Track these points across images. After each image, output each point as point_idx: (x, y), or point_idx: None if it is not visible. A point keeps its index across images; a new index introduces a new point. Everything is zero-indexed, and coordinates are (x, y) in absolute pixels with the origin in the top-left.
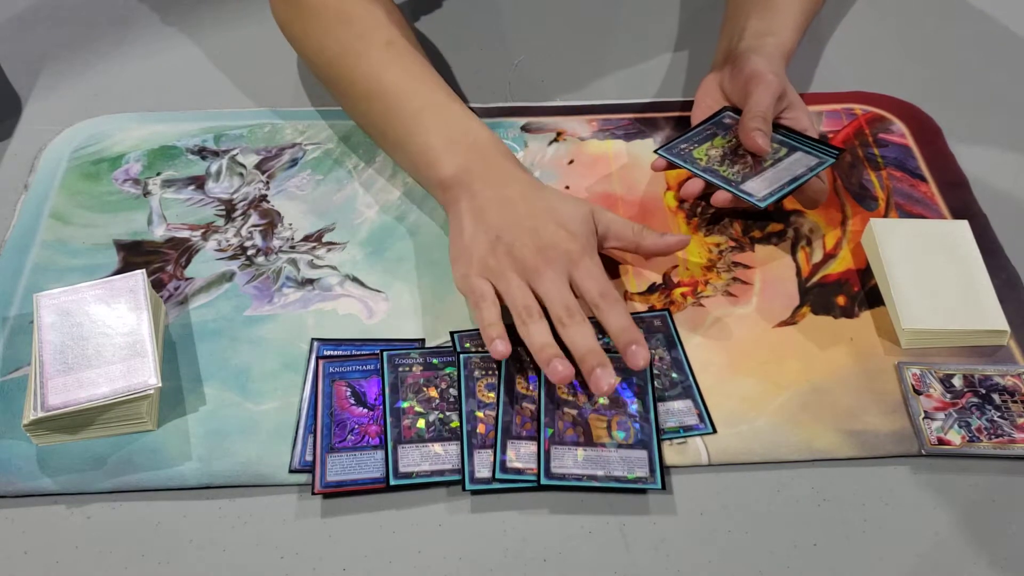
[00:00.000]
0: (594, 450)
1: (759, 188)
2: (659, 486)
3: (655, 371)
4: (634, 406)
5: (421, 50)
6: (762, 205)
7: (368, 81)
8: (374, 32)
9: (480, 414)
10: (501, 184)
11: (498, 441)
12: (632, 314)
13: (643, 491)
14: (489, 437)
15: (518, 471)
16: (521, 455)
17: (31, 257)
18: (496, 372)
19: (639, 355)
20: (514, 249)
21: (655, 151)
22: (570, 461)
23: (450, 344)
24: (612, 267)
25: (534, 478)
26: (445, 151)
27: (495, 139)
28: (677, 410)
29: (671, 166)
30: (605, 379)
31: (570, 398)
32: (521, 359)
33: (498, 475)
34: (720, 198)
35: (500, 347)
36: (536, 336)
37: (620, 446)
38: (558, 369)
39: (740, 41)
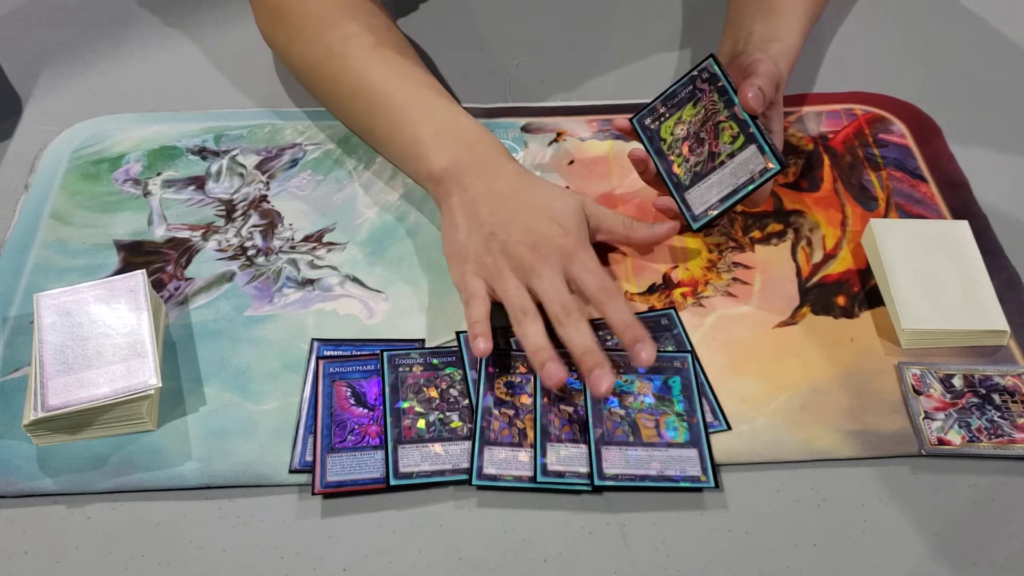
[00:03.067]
0: (645, 450)
1: (701, 200)
2: (712, 484)
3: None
4: (681, 404)
5: (412, 51)
6: (694, 227)
7: (353, 80)
8: (359, 36)
9: (496, 411)
10: (491, 177)
11: (537, 444)
12: (636, 314)
13: (698, 490)
14: (503, 435)
15: (559, 474)
16: (561, 458)
17: (31, 257)
18: (516, 371)
19: (645, 352)
20: (508, 246)
21: (630, 118)
22: (621, 461)
23: (451, 344)
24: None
25: (584, 482)
26: (433, 143)
27: (483, 130)
28: None
29: (636, 137)
30: (604, 380)
31: (615, 397)
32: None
33: (540, 479)
34: (662, 204)
35: (481, 345)
36: (531, 338)
37: (671, 445)
38: (552, 373)
39: (745, 46)
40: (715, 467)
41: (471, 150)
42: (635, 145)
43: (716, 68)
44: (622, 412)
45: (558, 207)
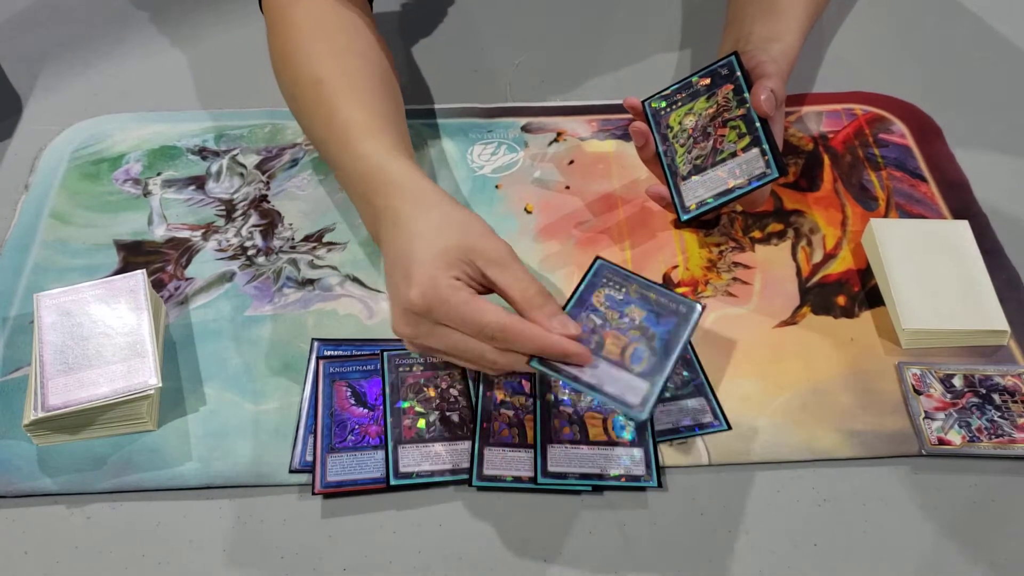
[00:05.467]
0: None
1: (694, 192)
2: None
3: None
4: (658, 342)
5: (368, 73)
6: (682, 217)
7: (306, 126)
8: (304, 70)
9: (496, 412)
10: (390, 240)
11: (538, 445)
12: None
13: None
14: (503, 435)
15: (560, 475)
16: (561, 459)
17: (31, 257)
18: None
19: (579, 356)
20: (393, 314)
21: (643, 101)
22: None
23: None
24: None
25: (585, 484)
26: (356, 203)
27: (379, 175)
28: (691, 408)
29: (644, 118)
30: (584, 356)
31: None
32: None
33: (540, 481)
34: (654, 191)
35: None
36: (490, 366)
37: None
38: (581, 355)
39: (746, 46)
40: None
41: (371, 207)
42: (635, 144)
43: (737, 67)
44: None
45: (417, 255)
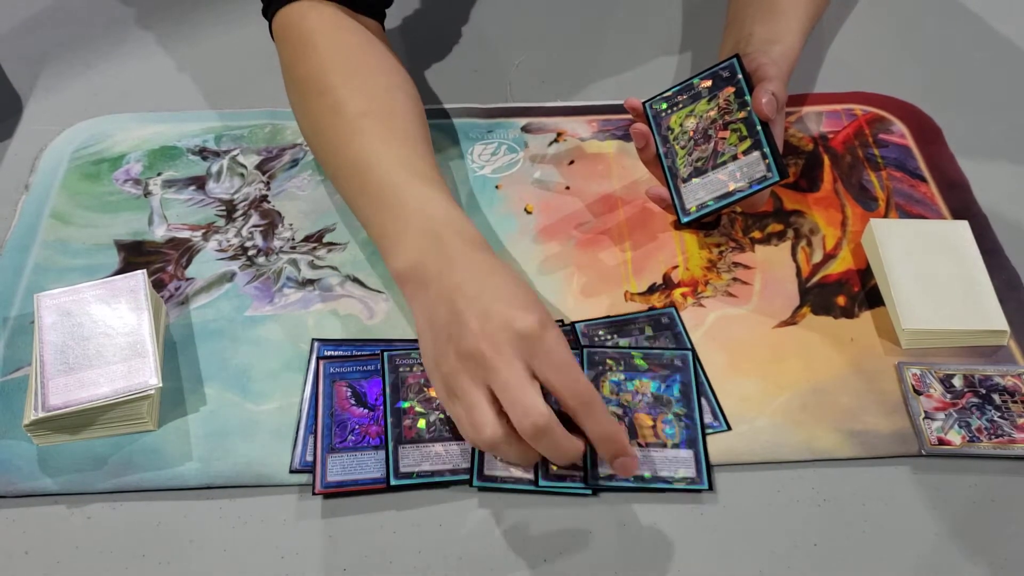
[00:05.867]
0: (639, 450)
1: (695, 195)
2: (706, 486)
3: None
4: (679, 404)
5: (413, 113)
6: (683, 220)
7: (336, 157)
8: (347, 103)
9: None
10: (449, 271)
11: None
12: (639, 313)
13: (693, 491)
14: None
15: (561, 478)
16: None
17: (32, 257)
18: None
19: (625, 467)
20: (462, 344)
21: (644, 102)
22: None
23: None
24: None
25: (585, 487)
26: (396, 239)
27: (452, 216)
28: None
29: (645, 119)
30: (630, 466)
31: (613, 396)
32: None
33: (541, 483)
34: (655, 193)
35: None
36: (552, 454)
37: (665, 446)
38: (626, 465)
39: (746, 47)
40: (710, 470)
41: (436, 244)
42: (636, 146)
43: (738, 69)
44: (619, 411)
45: (519, 294)
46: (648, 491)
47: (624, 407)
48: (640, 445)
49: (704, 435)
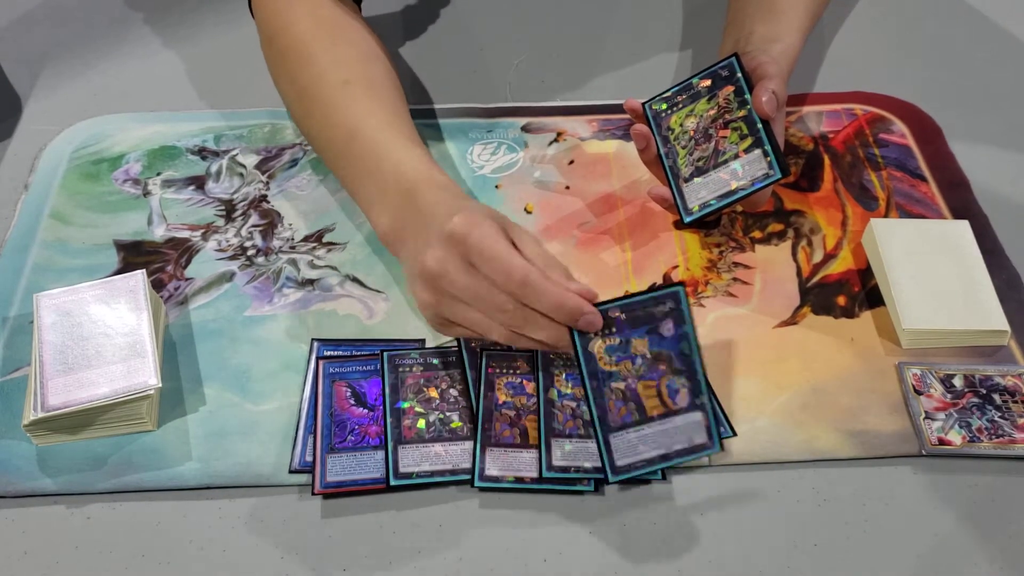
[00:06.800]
0: (650, 426)
1: (697, 194)
2: (717, 449)
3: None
4: (679, 361)
5: (391, 82)
6: (685, 219)
7: (320, 124)
8: (331, 72)
9: (498, 412)
10: (426, 226)
11: (542, 439)
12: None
13: (707, 455)
14: (505, 436)
15: (564, 469)
16: (566, 453)
17: (31, 257)
18: (516, 371)
19: (593, 322)
20: (424, 272)
21: (643, 103)
22: (630, 449)
23: (451, 344)
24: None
25: (590, 477)
26: (376, 201)
27: (425, 172)
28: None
29: (645, 121)
30: (595, 320)
31: (613, 368)
32: (552, 358)
33: (545, 474)
34: (657, 193)
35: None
36: (535, 336)
37: (676, 413)
38: (592, 321)
39: (746, 46)
40: (719, 425)
41: (410, 200)
42: (637, 147)
43: (737, 68)
44: (622, 386)
45: (456, 205)
46: (669, 467)
47: (626, 380)
48: (652, 418)
49: (709, 387)
